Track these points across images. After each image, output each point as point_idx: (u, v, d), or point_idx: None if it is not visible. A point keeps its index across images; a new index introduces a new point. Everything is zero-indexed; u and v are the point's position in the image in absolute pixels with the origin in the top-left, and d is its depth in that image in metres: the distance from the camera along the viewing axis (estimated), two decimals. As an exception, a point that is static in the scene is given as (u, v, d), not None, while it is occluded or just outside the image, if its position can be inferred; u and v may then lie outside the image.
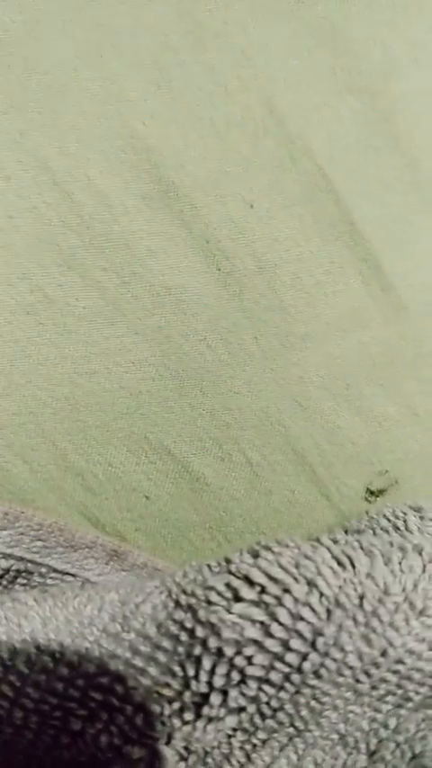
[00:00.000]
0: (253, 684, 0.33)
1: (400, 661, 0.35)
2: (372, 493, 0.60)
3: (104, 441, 0.54)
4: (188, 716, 0.33)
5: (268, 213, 0.53)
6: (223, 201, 0.52)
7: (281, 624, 0.33)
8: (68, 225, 0.50)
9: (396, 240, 0.56)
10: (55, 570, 0.50)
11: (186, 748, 0.34)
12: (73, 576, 0.50)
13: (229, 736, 0.35)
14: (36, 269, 0.50)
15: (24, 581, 0.49)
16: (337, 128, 0.53)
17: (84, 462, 0.54)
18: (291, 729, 0.35)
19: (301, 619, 0.33)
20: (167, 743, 0.33)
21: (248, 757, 0.35)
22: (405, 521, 0.46)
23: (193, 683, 0.32)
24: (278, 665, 0.33)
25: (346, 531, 0.48)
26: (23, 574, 0.49)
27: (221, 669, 0.32)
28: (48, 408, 0.52)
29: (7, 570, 0.48)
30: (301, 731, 0.35)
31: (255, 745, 0.35)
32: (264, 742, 0.35)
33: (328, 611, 0.33)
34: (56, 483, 0.54)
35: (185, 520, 0.56)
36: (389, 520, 0.47)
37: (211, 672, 0.32)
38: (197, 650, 0.32)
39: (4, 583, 0.48)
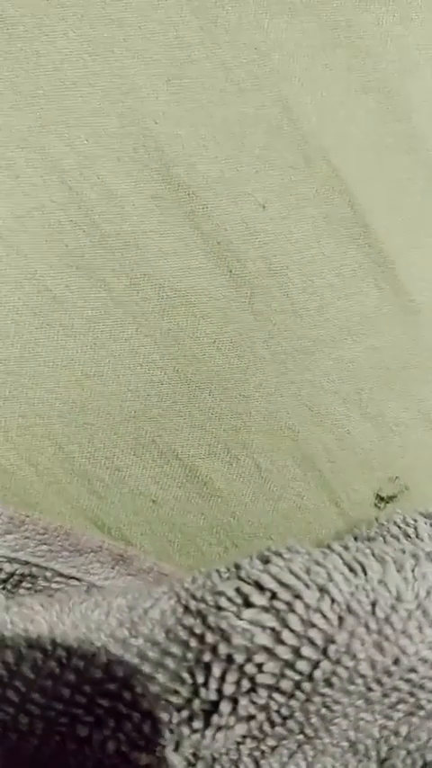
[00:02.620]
0: (263, 692, 0.33)
1: (412, 669, 0.34)
2: (382, 499, 0.59)
3: (111, 444, 0.53)
4: (197, 724, 0.32)
5: (281, 214, 0.52)
6: (235, 202, 0.51)
7: (292, 631, 0.32)
8: (77, 224, 0.50)
9: (410, 243, 0.55)
10: (60, 574, 0.49)
11: (195, 755, 0.33)
12: (78, 580, 0.50)
13: (238, 743, 0.34)
14: (44, 269, 0.50)
15: (29, 585, 0.48)
16: (351, 128, 0.52)
17: (90, 466, 0.53)
18: (300, 737, 0.35)
19: (313, 625, 0.32)
20: (175, 749, 0.33)
21: (257, 764, 0.35)
22: (416, 528, 0.46)
23: (203, 691, 0.32)
24: (289, 672, 0.32)
25: (355, 538, 0.48)
26: (28, 578, 0.49)
27: (231, 676, 0.32)
28: (54, 411, 0.52)
29: (12, 574, 0.48)
30: (310, 738, 0.35)
31: (264, 752, 0.35)
32: (273, 749, 0.35)
33: (340, 618, 0.33)
34: (62, 486, 0.53)
35: (193, 524, 0.56)
36: (399, 527, 0.47)
37: (221, 679, 0.32)
38: (207, 657, 0.32)
39: (9, 587, 0.48)
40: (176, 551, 0.56)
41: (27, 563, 0.48)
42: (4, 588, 0.48)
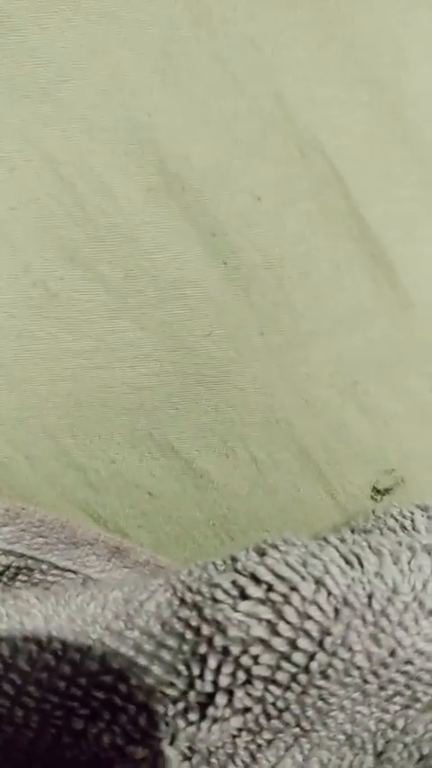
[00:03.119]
0: (259, 684, 0.32)
1: (409, 661, 0.34)
2: (378, 491, 0.59)
3: (107, 437, 0.53)
4: (193, 716, 0.32)
5: (275, 207, 0.52)
6: (230, 194, 0.51)
7: (288, 623, 0.32)
8: (72, 217, 0.50)
9: (405, 236, 0.55)
10: (56, 567, 0.49)
11: (190, 748, 0.33)
12: (74, 573, 0.50)
13: (234, 737, 0.34)
14: (39, 262, 0.50)
15: (25, 578, 0.48)
16: (346, 121, 0.52)
17: (86, 458, 0.53)
18: (296, 729, 0.35)
19: (309, 617, 0.32)
20: (171, 743, 0.33)
21: (253, 757, 0.35)
22: (413, 520, 0.46)
23: (198, 683, 0.32)
24: (285, 664, 0.32)
25: (352, 531, 0.48)
26: (24, 570, 0.49)
27: (227, 668, 0.32)
28: (50, 404, 0.52)
29: (7, 567, 0.48)
30: (307, 731, 0.35)
31: (260, 746, 0.35)
32: (269, 742, 0.35)
33: (336, 610, 0.33)
34: (58, 479, 0.53)
35: (189, 517, 0.56)
36: (396, 519, 0.46)
37: (217, 671, 0.32)
38: (202, 649, 0.32)
39: (5, 580, 0.48)
40: (172, 544, 0.56)
41: (23, 555, 0.48)
42: (0, 581, 0.48)
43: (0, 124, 0.48)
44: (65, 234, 0.50)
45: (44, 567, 0.49)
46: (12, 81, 0.48)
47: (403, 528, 0.45)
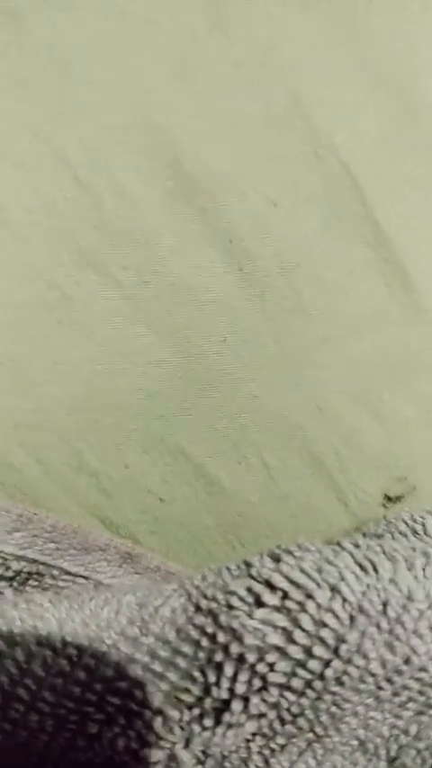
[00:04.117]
0: (274, 691, 0.32)
1: (423, 669, 0.34)
2: (389, 499, 0.59)
3: (120, 442, 0.53)
4: (208, 722, 0.32)
5: (291, 212, 0.52)
6: (246, 199, 0.51)
7: (304, 630, 0.32)
8: (88, 220, 0.50)
9: (420, 241, 0.55)
10: (67, 572, 0.49)
11: (204, 752, 0.33)
12: (85, 578, 0.50)
13: (248, 741, 0.34)
14: (54, 266, 0.50)
15: (36, 583, 0.48)
16: (361, 123, 0.52)
17: (98, 463, 0.53)
18: (310, 735, 0.35)
19: (324, 625, 0.32)
20: (185, 747, 0.33)
21: (267, 762, 0.35)
22: (424, 525, 0.46)
23: (215, 690, 0.32)
24: (300, 671, 0.32)
25: (364, 535, 0.48)
26: (35, 576, 0.48)
27: (243, 676, 0.32)
28: (63, 408, 0.52)
29: (19, 572, 0.48)
30: (320, 737, 0.35)
31: (273, 750, 0.35)
32: (282, 747, 0.35)
33: (352, 618, 0.33)
34: (70, 484, 0.53)
35: (200, 523, 0.56)
36: (407, 524, 0.46)
37: (233, 678, 0.32)
38: (218, 656, 0.32)
39: (16, 585, 0.48)
40: (183, 550, 0.56)
41: (35, 561, 0.48)
42: (11, 586, 0.48)
43: (15, 125, 0.48)
44: (80, 237, 0.50)
45: (55, 572, 0.49)
46: (27, 81, 0.48)
47: (415, 533, 0.45)
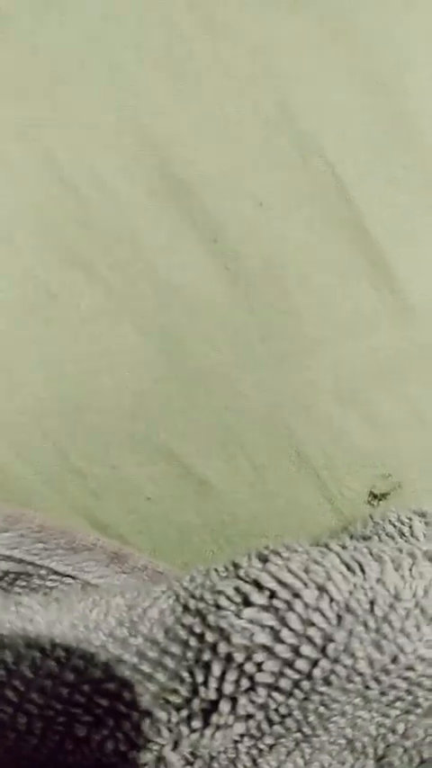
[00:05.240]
0: (262, 691, 0.32)
1: (410, 668, 0.34)
2: (375, 496, 0.59)
3: (107, 442, 0.53)
4: (196, 723, 0.32)
5: (278, 212, 0.52)
6: (233, 199, 0.51)
7: (291, 630, 0.32)
8: (74, 220, 0.50)
9: (406, 242, 0.55)
10: (55, 572, 0.49)
11: (193, 753, 0.33)
12: (73, 578, 0.50)
13: (236, 742, 0.34)
14: (40, 265, 0.50)
15: (24, 583, 0.48)
16: (348, 126, 0.52)
17: (86, 463, 0.53)
18: (298, 734, 0.35)
19: (312, 624, 0.32)
20: (174, 748, 0.33)
21: (255, 762, 0.35)
22: (411, 527, 0.46)
23: (202, 690, 0.32)
24: (288, 671, 0.32)
25: (351, 537, 0.48)
26: (23, 576, 0.48)
27: (231, 676, 0.32)
28: (50, 408, 0.52)
29: (6, 573, 0.48)
30: (308, 736, 0.35)
31: (261, 751, 0.35)
32: (271, 747, 0.35)
33: (339, 617, 0.33)
34: (57, 484, 0.53)
35: (188, 522, 0.56)
36: (394, 525, 0.47)
37: (221, 678, 0.32)
38: (206, 656, 0.32)
39: (4, 585, 0.48)
40: (171, 549, 0.56)
41: (22, 561, 0.48)
42: (-1, 586, 0.48)
43: (1, 125, 0.48)
44: (66, 237, 0.50)
45: (43, 572, 0.49)
46: (13, 81, 0.48)
47: (401, 534, 0.45)
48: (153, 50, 0.49)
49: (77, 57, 0.48)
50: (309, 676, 0.33)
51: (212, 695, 0.32)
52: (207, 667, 0.32)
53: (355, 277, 0.55)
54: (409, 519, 0.47)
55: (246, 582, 0.33)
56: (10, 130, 0.48)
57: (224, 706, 0.32)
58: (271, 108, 0.51)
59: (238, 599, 0.33)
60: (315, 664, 0.32)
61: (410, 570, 0.35)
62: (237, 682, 0.32)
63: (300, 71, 0.51)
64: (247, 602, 0.33)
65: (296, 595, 0.33)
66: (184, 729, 0.32)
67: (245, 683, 0.32)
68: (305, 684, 0.33)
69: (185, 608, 0.33)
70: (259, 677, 0.32)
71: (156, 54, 0.49)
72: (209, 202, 0.51)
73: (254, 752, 0.35)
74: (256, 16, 0.49)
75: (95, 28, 0.48)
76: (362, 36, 0.51)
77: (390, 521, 0.47)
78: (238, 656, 0.32)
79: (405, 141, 0.53)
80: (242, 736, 0.34)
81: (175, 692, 0.32)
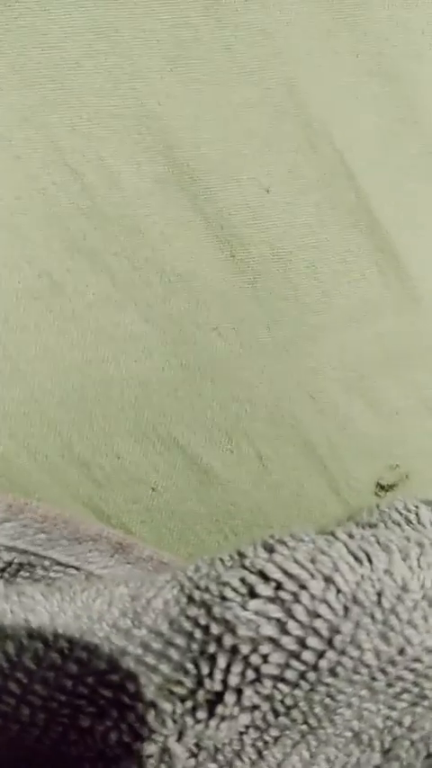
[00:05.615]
0: (268, 683, 0.32)
1: (417, 659, 0.34)
2: (382, 487, 0.59)
3: (111, 431, 0.53)
4: (201, 714, 0.32)
5: (285, 199, 0.52)
6: (239, 186, 0.51)
7: (297, 621, 0.32)
8: (79, 207, 0.49)
9: (413, 229, 0.55)
10: (58, 563, 0.49)
11: (197, 745, 0.33)
12: (76, 568, 0.50)
13: (241, 733, 0.34)
14: (44, 253, 0.49)
15: (27, 574, 0.48)
16: (356, 112, 0.52)
17: (90, 453, 0.53)
18: (304, 726, 0.35)
19: (318, 616, 0.32)
20: (178, 739, 0.33)
21: (260, 754, 0.35)
22: (417, 514, 0.46)
23: (207, 682, 0.32)
24: (294, 663, 0.32)
25: (357, 525, 0.47)
26: (26, 566, 0.48)
27: (237, 667, 0.32)
28: (54, 397, 0.51)
29: (9, 563, 0.48)
30: (314, 728, 0.35)
31: (267, 742, 0.35)
32: (276, 739, 0.35)
33: (346, 608, 0.32)
34: (61, 474, 0.53)
35: (192, 512, 0.56)
36: (401, 513, 0.46)
37: (226, 670, 0.32)
38: (212, 648, 0.32)
39: (6, 576, 0.48)
40: (176, 539, 0.56)
41: (25, 551, 0.48)
42: (1, 577, 0.47)
43: (6, 111, 0.48)
44: (71, 224, 0.49)
45: (46, 563, 0.49)
46: (18, 67, 0.47)
47: (408, 521, 0.45)
48: (159, 35, 0.48)
49: (84, 42, 0.47)
50: (315, 668, 0.32)
51: (218, 687, 0.32)
52: (212, 659, 0.32)
53: (361, 264, 0.54)
54: (416, 506, 0.46)
55: (251, 572, 0.33)
56: (15, 117, 0.48)
57: (229, 697, 0.32)
58: (279, 94, 0.50)
59: (243, 590, 0.32)
60: (321, 655, 0.32)
61: (418, 560, 0.35)
62: (242, 673, 0.32)
63: (308, 57, 0.50)
64: (252, 594, 0.32)
65: (303, 587, 0.32)
66: (189, 720, 0.32)
67: (250, 675, 0.32)
68: (311, 676, 0.33)
69: (190, 599, 0.33)
70: (265, 669, 0.32)
71: (162, 39, 0.48)
72: (215, 189, 0.51)
73: (259, 744, 0.34)
74: (263, 1, 0.49)
75: (102, 12, 0.47)
76: (370, 23, 0.51)
77: (396, 508, 0.46)
78: (244, 648, 0.32)
79: (415, 128, 0.53)
80: (247, 727, 0.34)
81: (179, 683, 0.32)
